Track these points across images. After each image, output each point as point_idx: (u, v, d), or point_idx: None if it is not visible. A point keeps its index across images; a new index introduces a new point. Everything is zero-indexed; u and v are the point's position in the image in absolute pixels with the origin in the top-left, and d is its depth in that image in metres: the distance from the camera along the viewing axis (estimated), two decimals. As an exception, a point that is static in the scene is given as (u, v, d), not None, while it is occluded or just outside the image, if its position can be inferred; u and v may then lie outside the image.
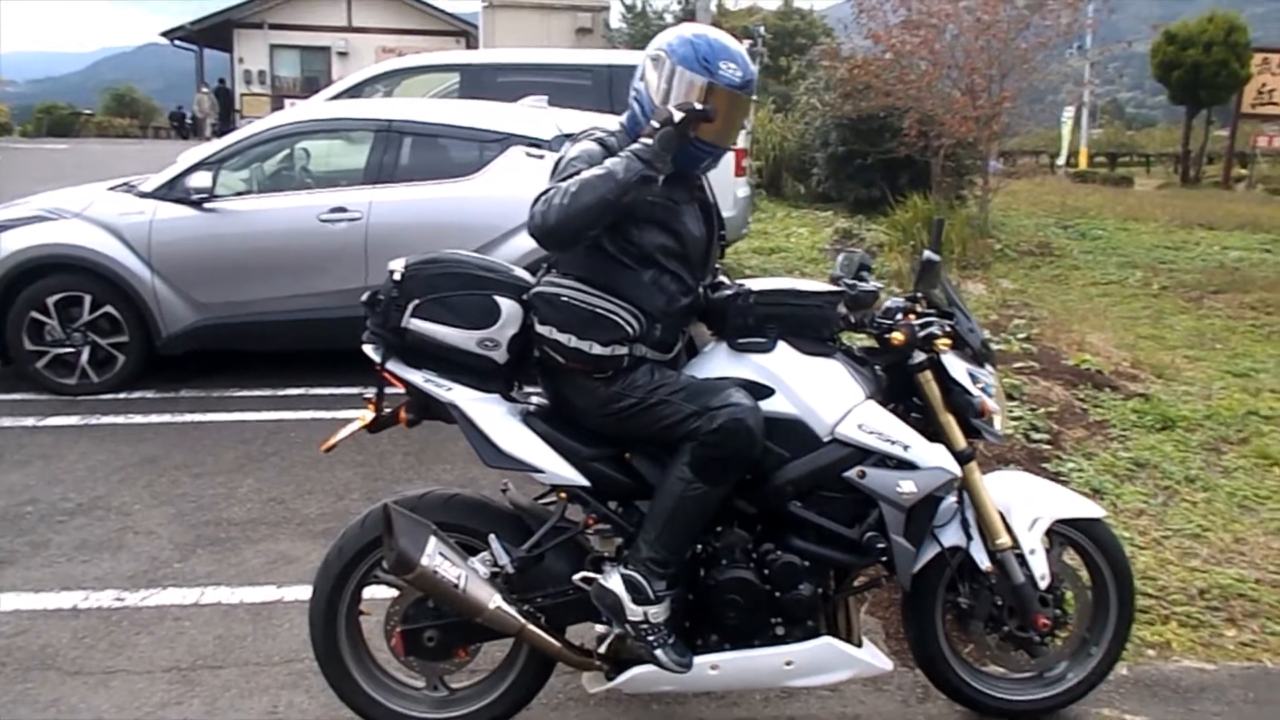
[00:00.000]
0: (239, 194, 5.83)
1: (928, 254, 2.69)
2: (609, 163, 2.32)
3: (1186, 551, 3.99)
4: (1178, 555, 3.95)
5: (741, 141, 8.56)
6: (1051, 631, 2.76)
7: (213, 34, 29.87)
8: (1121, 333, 7.59)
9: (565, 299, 2.45)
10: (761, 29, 13.33)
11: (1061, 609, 2.79)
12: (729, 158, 7.84)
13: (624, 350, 2.46)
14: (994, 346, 6.23)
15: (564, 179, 2.34)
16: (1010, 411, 5.16)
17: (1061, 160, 25.79)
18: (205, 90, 29.61)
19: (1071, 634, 2.86)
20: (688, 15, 19.97)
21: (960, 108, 10.80)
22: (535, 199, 2.35)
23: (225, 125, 27.18)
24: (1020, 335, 6.79)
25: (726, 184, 7.78)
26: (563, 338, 2.46)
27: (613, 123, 2.63)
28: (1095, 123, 33.34)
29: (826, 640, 2.62)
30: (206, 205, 5.65)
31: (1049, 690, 2.87)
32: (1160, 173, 28.11)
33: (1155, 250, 11.60)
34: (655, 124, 2.34)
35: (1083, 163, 27.45)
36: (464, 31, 28.71)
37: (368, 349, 2.56)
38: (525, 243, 2.56)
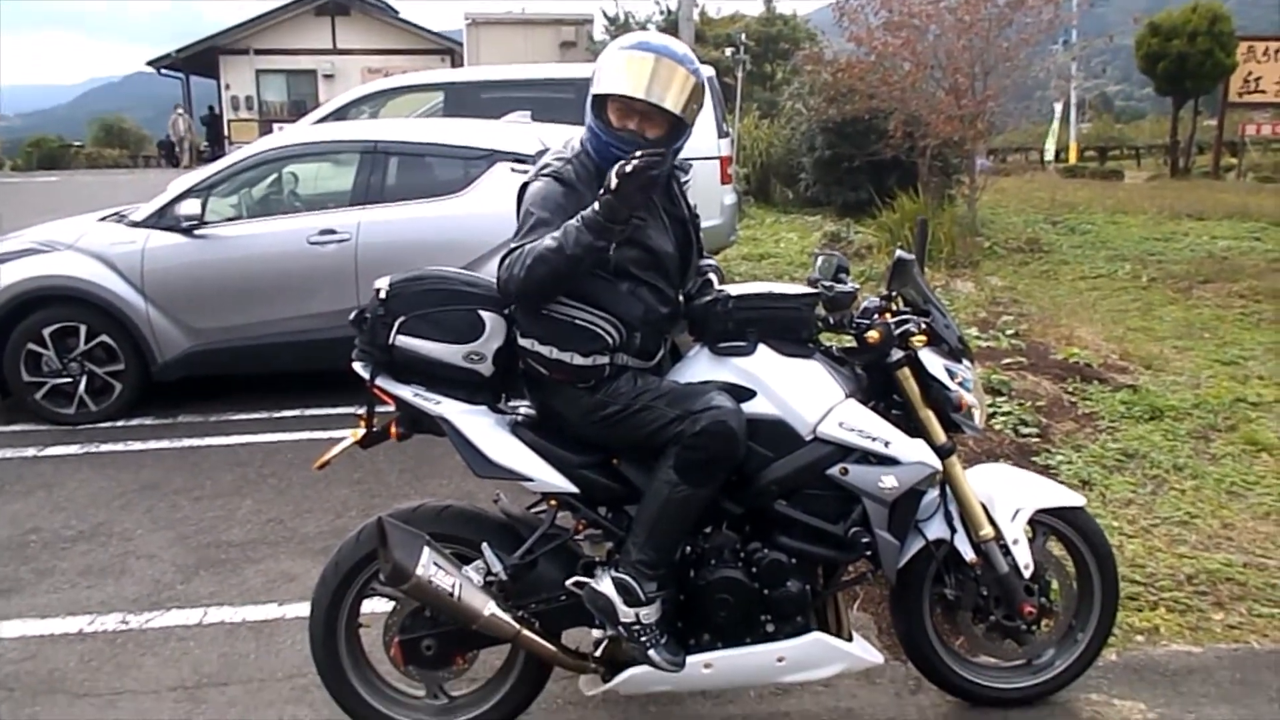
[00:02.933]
0: (229, 220, 5.89)
1: (899, 253, 2.76)
2: (565, 229, 2.37)
3: (1175, 538, 4.04)
4: (1166, 542, 4.00)
5: (726, 149, 8.62)
6: (1038, 619, 2.83)
7: (199, 61, 29.99)
8: (1110, 326, 7.66)
9: (545, 312, 2.51)
10: (743, 36, 13.43)
11: (1047, 597, 2.85)
12: (714, 165, 7.93)
13: (605, 360, 2.52)
14: (983, 343, 6.36)
15: (526, 231, 2.43)
16: (998, 407, 5.22)
17: (1049, 155, 25.86)
18: (179, 111, 29.43)
19: (1058, 621, 2.91)
20: (670, 25, 20.07)
21: (945, 107, 10.90)
22: (501, 259, 2.44)
23: (216, 151, 27.28)
24: (1009, 331, 6.85)
25: (713, 191, 7.86)
26: (545, 350, 2.52)
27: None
28: (1083, 117, 33.46)
29: (816, 636, 2.67)
30: (197, 232, 5.71)
31: (1038, 677, 2.93)
32: (1151, 165, 28.11)
33: (1144, 243, 11.67)
34: (605, 189, 2.35)
35: (1073, 157, 27.54)
36: (448, 49, 28.81)
37: (357, 366, 2.62)
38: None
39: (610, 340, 2.51)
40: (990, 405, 5.24)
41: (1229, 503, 4.39)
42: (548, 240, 2.38)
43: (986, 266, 10.12)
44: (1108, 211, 14.43)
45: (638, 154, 2.31)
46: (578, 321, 2.50)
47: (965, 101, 10.87)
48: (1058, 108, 24.48)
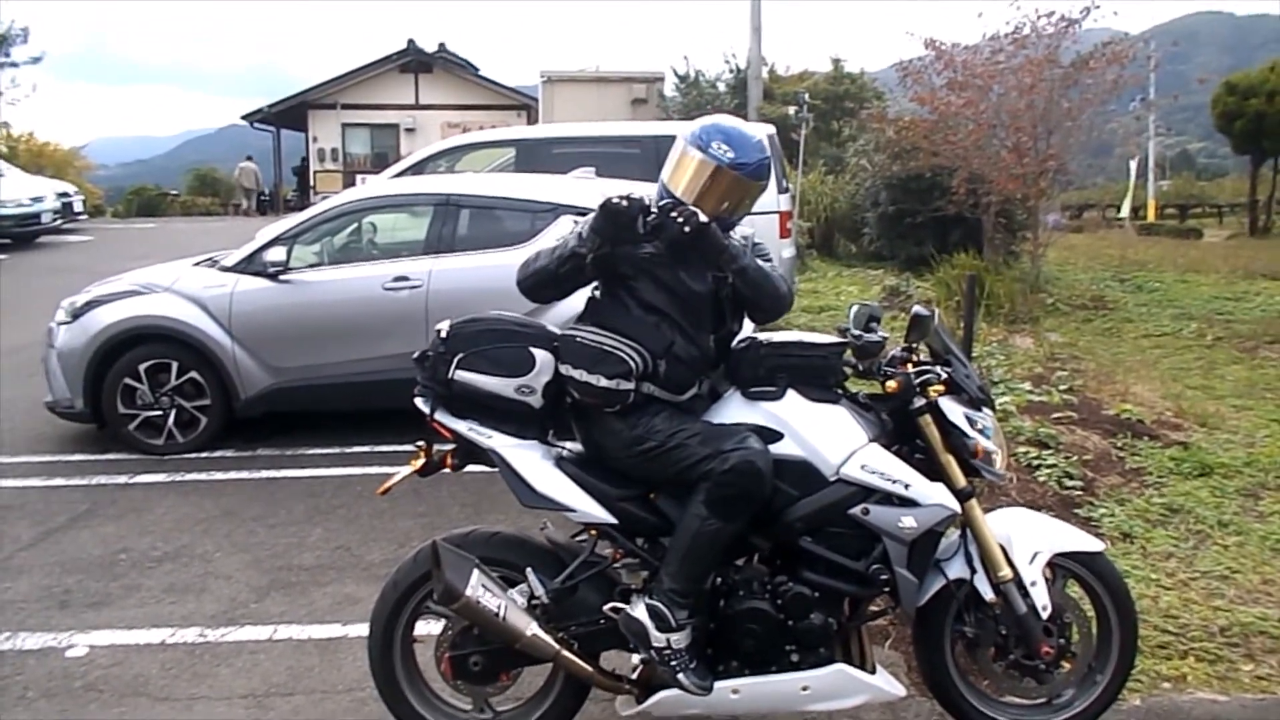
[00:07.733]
0: (311, 266, 6.27)
1: (916, 308, 2.94)
2: (564, 236, 2.82)
3: (1213, 592, 4.09)
4: (1203, 595, 4.06)
5: (786, 204, 8.84)
6: (1056, 660, 2.94)
7: (289, 115, 31.15)
8: (1169, 383, 7.65)
9: (580, 340, 2.77)
10: (805, 96, 13.70)
11: (1065, 638, 2.96)
12: (774, 220, 8.16)
13: (629, 385, 2.74)
14: (1035, 398, 6.43)
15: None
16: (1043, 459, 5.30)
17: (1124, 213, 25.58)
18: (249, 162, 30.09)
19: (1077, 662, 3.01)
20: (740, 83, 20.45)
21: (1007, 165, 11.01)
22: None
23: (303, 201, 28.22)
24: (1062, 387, 6.88)
25: (771, 245, 7.97)
26: (577, 374, 2.76)
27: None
28: (1164, 175, 33.00)
29: (840, 667, 2.83)
30: (281, 277, 6.11)
31: (1057, 716, 3.02)
32: (1233, 223, 27.64)
33: (1214, 302, 11.57)
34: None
35: (1151, 215, 27.20)
36: (524, 105, 29.53)
37: (419, 401, 2.88)
38: (574, 305, 2.98)
39: (633, 365, 2.73)
40: (1035, 458, 5.33)
41: (1272, 560, 4.42)
42: (552, 241, 2.85)
43: (1048, 323, 10.14)
44: (1179, 270, 14.29)
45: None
46: (604, 347, 2.74)
47: (1028, 160, 10.97)
48: (1133, 165, 24.28)
